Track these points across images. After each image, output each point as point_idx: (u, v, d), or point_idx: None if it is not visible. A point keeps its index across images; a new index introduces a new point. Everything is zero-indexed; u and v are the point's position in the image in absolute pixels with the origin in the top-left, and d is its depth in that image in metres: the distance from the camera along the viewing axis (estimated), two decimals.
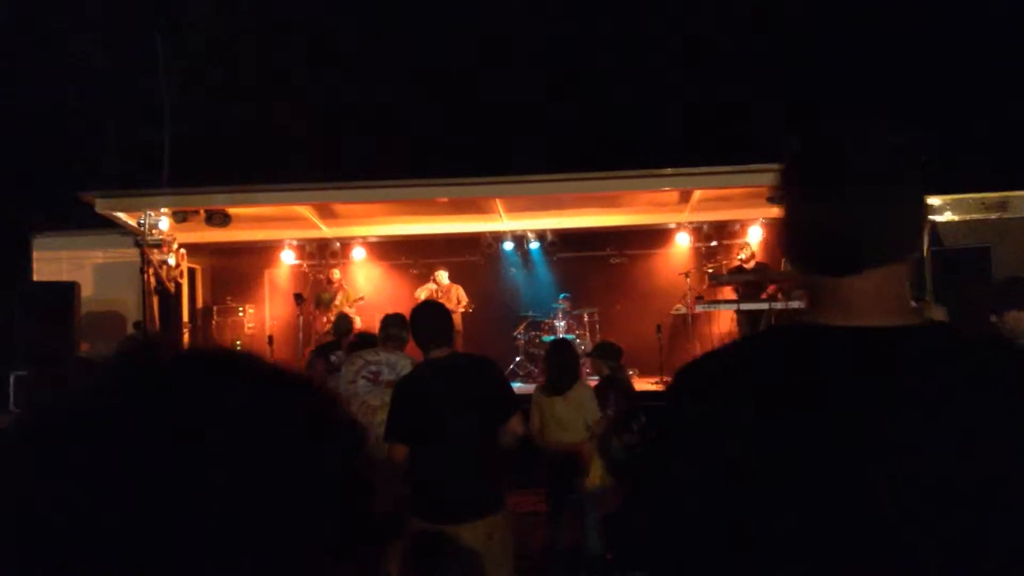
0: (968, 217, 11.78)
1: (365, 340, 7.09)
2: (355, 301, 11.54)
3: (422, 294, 11.11)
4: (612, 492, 5.33)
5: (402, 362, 5.56)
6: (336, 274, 11.73)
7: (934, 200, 11.75)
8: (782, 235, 1.23)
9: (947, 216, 11.90)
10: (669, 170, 9.79)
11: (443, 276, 11.64)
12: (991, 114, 14.20)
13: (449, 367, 3.86)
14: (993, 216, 11.83)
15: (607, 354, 6.03)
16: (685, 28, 14.68)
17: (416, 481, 3.79)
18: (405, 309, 12.02)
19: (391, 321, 5.82)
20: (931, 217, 11.82)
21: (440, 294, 11.45)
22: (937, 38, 14.51)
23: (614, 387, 5.87)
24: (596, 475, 5.34)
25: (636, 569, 1.17)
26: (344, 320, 8.27)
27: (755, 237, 11.32)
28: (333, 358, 6.93)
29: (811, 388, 1.10)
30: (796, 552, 1.05)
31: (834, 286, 1.17)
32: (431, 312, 4.07)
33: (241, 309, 12.21)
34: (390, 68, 14.62)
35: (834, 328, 1.15)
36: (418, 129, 13.93)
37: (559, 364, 5.60)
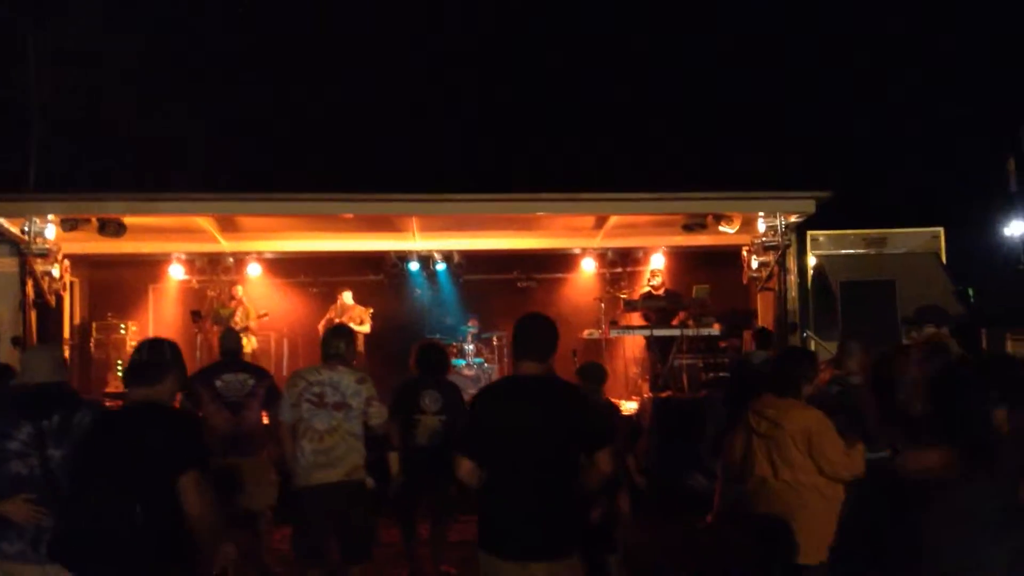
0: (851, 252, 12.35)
1: (231, 360, 6.36)
2: (259, 317, 10.95)
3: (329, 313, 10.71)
4: None
5: (346, 380, 5.14)
6: (239, 290, 11.09)
7: (818, 235, 12.33)
8: None
9: (829, 251, 12.43)
10: (588, 194, 9.83)
11: (347, 297, 11.28)
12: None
13: (535, 387, 3.46)
14: (872, 252, 12.45)
15: (590, 376, 5.76)
16: (608, 58, 14.97)
17: (483, 510, 3.43)
18: (305, 329, 11.54)
19: (333, 335, 5.36)
20: (817, 252, 12.34)
21: (342, 313, 11.07)
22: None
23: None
24: None
25: None
26: (230, 335, 6.71)
27: (658, 264, 11.52)
28: (219, 383, 6.03)
29: None
30: None
31: None
32: (538, 326, 3.63)
33: (123, 326, 11.34)
34: (304, 74, 14.13)
35: None
36: (327, 141, 13.52)
37: None
